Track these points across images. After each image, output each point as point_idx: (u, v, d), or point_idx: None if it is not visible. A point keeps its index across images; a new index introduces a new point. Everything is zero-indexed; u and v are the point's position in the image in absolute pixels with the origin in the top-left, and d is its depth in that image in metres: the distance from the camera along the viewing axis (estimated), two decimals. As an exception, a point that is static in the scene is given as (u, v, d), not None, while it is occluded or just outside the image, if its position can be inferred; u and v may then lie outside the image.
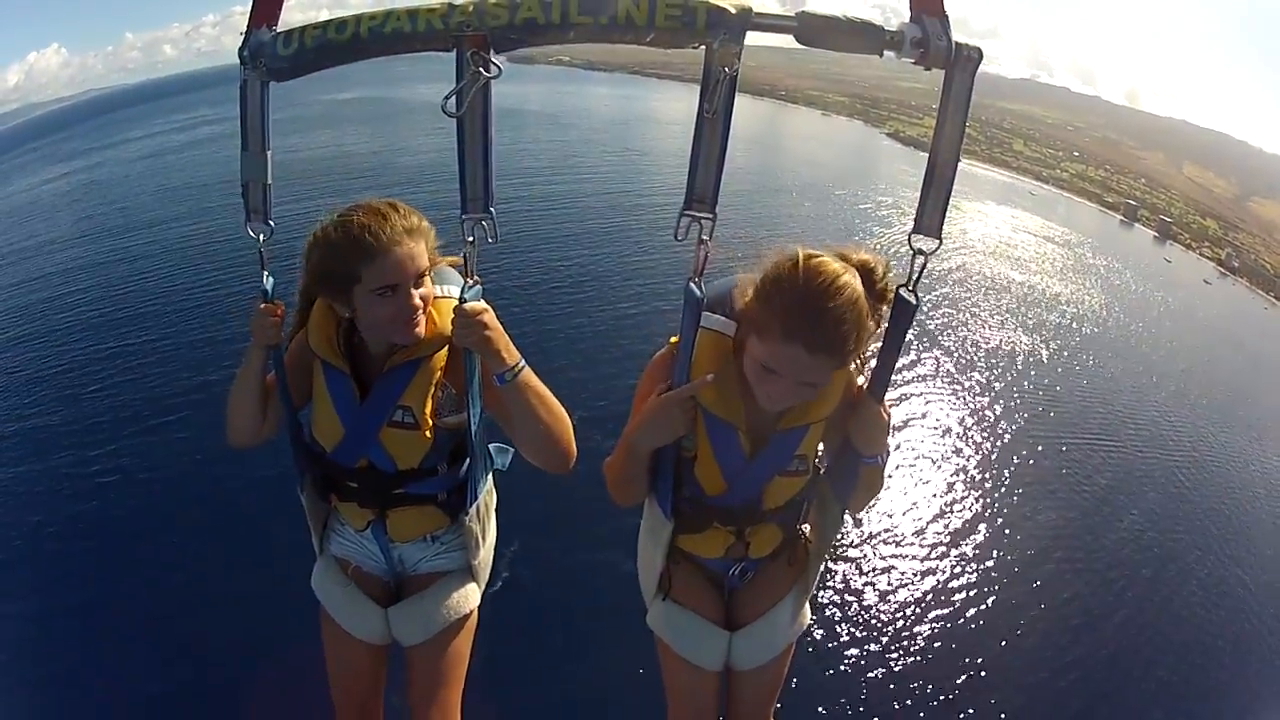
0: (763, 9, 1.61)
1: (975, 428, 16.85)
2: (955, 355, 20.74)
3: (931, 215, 1.85)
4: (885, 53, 1.73)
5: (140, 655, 8.30)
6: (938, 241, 1.86)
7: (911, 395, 17.09)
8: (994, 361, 21.19)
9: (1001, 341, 22.91)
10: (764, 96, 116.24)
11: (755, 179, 38.36)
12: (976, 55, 1.72)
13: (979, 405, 18.13)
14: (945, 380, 18.84)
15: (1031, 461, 16.07)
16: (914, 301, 1.91)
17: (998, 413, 17.97)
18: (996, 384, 19.79)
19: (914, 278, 1.89)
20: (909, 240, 1.88)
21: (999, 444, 16.44)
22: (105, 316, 18.95)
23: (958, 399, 18.06)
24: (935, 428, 16.36)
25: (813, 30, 1.66)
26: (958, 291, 26.80)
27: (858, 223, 32.31)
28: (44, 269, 24.05)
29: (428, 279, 2.05)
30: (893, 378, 2.01)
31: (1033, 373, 21.26)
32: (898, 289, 1.93)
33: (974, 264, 31.52)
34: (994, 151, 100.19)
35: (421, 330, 2.06)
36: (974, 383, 19.40)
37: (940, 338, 21.64)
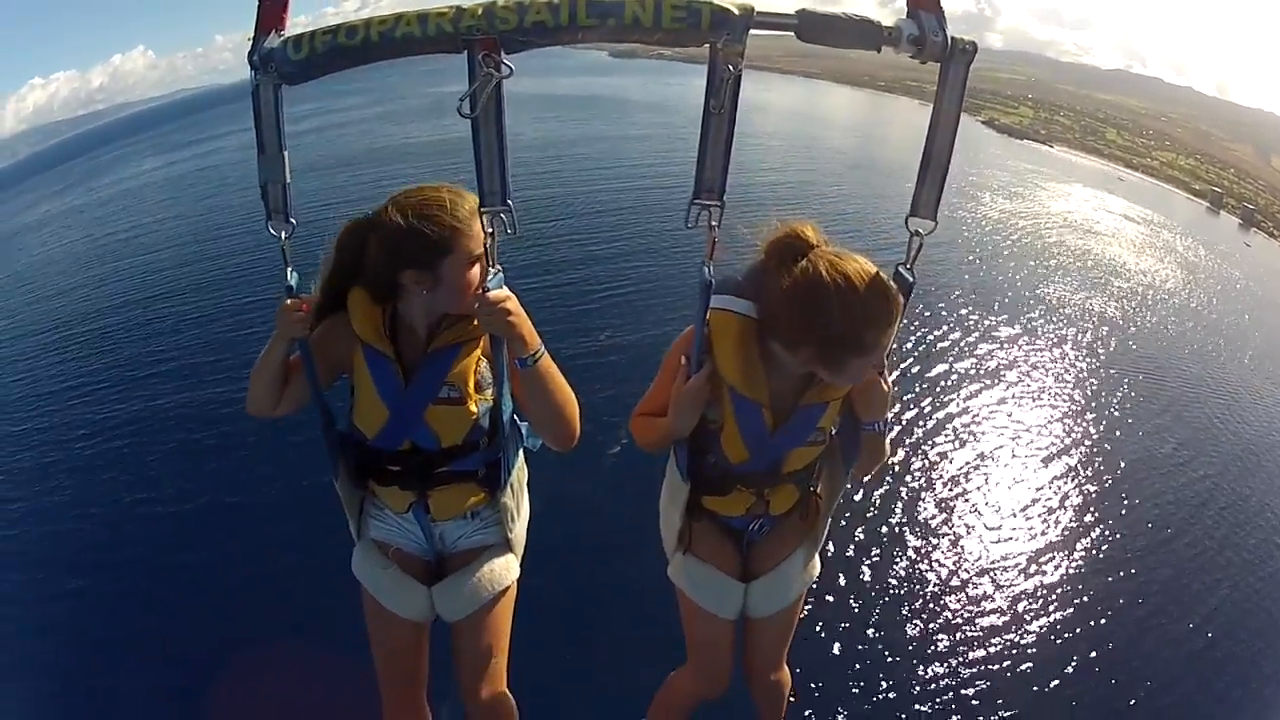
0: (765, 8, 1.58)
1: (1022, 384, 15.35)
2: (1011, 315, 19.23)
3: (927, 199, 1.83)
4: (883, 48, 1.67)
5: (177, 649, 7.46)
6: (933, 224, 1.84)
7: (961, 352, 15.75)
8: (1050, 320, 19.50)
9: (1060, 302, 21.08)
10: (863, 87, 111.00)
11: (852, 161, 36.70)
12: (971, 49, 1.66)
13: (1030, 363, 16.50)
14: (998, 339, 17.38)
15: (1075, 414, 14.50)
16: (911, 280, 1.89)
17: (1048, 370, 16.35)
18: (1051, 340, 18.06)
19: (912, 257, 1.88)
20: (906, 223, 1.86)
21: (1046, 401, 14.98)
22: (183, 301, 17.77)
23: (1009, 356, 16.59)
24: (977, 386, 14.97)
25: (813, 28, 1.61)
26: (1028, 257, 25.01)
27: (952, 200, 30.65)
28: (140, 252, 22.15)
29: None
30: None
31: (1091, 329, 19.56)
32: (897, 267, 1.92)
33: (1051, 235, 29.37)
34: (1087, 139, 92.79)
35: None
36: (1026, 338, 17.82)
37: (998, 299, 20.12)
